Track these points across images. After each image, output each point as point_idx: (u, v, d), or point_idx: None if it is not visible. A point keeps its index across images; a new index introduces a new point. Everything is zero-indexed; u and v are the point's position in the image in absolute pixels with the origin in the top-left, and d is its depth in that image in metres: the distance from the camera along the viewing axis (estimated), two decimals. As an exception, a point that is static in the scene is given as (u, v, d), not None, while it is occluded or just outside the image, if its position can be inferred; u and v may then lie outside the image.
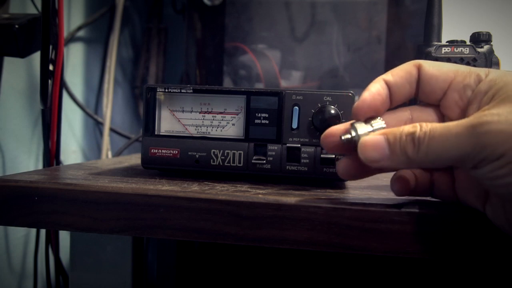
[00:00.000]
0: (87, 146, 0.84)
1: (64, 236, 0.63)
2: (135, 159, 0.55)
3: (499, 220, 0.27)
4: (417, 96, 0.30)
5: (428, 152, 0.25)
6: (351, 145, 0.29)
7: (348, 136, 0.29)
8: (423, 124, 0.26)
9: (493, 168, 0.24)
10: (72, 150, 0.79)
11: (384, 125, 0.29)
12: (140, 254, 0.44)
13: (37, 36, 0.52)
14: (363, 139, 0.28)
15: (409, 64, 0.30)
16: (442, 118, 0.31)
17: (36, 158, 0.67)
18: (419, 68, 0.29)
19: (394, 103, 0.30)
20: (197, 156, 0.37)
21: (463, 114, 0.29)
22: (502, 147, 0.23)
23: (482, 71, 0.28)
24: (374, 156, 0.27)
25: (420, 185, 0.30)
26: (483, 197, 0.28)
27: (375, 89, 0.29)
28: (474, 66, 0.42)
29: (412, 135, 0.26)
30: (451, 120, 0.29)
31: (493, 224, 0.27)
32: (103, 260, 0.42)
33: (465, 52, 0.43)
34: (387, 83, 0.30)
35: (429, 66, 0.29)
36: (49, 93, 0.53)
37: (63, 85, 0.59)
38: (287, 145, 0.36)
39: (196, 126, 0.38)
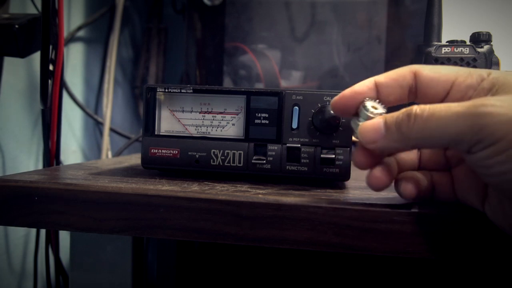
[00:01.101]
0: (87, 146, 0.84)
1: (64, 236, 0.63)
2: (135, 159, 0.55)
3: (498, 219, 0.27)
4: (415, 102, 0.30)
5: (425, 129, 0.25)
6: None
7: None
8: (421, 105, 0.26)
9: (489, 153, 0.24)
10: (72, 150, 0.79)
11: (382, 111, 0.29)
12: (140, 254, 0.44)
13: (37, 36, 0.52)
14: (363, 124, 0.28)
15: (405, 68, 0.30)
16: None
17: (36, 158, 0.67)
18: (415, 74, 0.29)
19: (383, 104, 0.30)
20: (197, 156, 0.37)
21: None
22: (500, 131, 0.23)
23: (483, 71, 0.28)
24: (371, 136, 0.28)
25: (421, 191, 0.30)
26: (482, 196, 0.28)
27: (358, 87, 0.30)
28: (474, 66, 0.42)
29: (408, 111, 0.26)
30: None
31: (493, 224, 0.27)
32: (103, 260, 0.42)
33: (465, 52, 0.43)
34: (377, 83, 0.30)
35: (428, 71, 0.29)
36: (49, 93, 0.53)
37: (63, 85, 0.59)
38: (287, 145, 0.36)
39: (196, 126, 0.38)
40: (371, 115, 0.29)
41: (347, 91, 0.30)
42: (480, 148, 0.24)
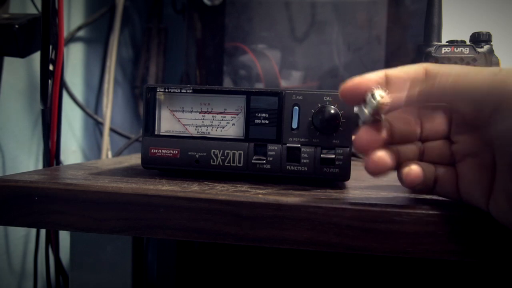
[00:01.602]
0: (87, 146, 0.84)
1: (64, 236, 0.63)
2: (135, 159, 0.55)
3: (505, 217, 0.26)
4: None
5: (453, 86, 0.27)
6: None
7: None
8: (442, 66, 0.28)
9: None
10: (72, 150, 0.79)
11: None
12: (140, 254, 0.44)
13: (37, 36, 0.52)
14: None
15: (418, 64, 0.30)
16: (451, 120, 0.31)
17: (36, 158, 0.67)
18: (427, 71, 0.29)
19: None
20: (197, 156, 0.37)
21: None
22: None
23: (494, 68, 0.28)
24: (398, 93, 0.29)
25: (425, 181, 0.30)
26: (487, 193, 0.28)
27: (369, 76, 0.30)
28: (474, 66, 0.42)
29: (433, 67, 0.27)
30: (461, 117, 0.29)
31: (496, 222, 0.27)
32: (103, 260, 0.42)
33: (465, 52, 0.43)
34: (387, 75, 0.30)
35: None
36: (49, 93, 0.53)
37: (63, 85, 0.59)
38: (287, 145, 0.36)
39: (196, 126, 0.38)
40: (379, 105, 0.28)
41: (358, 78, 0.30)
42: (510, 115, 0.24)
